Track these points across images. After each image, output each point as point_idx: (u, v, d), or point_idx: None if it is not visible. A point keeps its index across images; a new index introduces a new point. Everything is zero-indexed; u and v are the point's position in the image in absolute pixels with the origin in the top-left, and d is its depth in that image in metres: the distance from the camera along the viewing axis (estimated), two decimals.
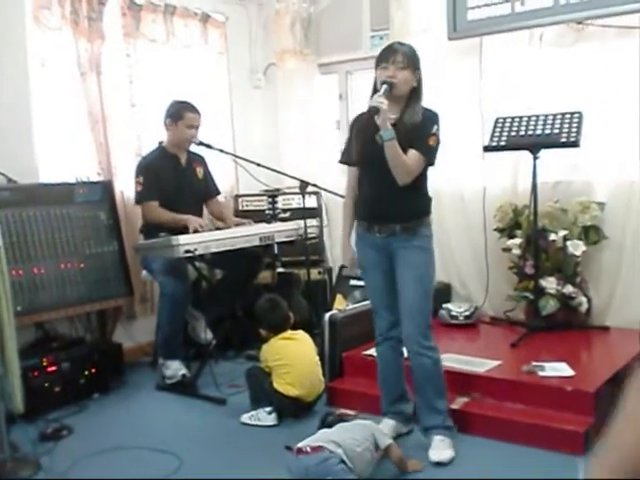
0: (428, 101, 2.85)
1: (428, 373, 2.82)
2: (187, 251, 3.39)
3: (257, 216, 4.57)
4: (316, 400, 3.36)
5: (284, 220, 4.45)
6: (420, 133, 2.72)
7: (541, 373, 3.12)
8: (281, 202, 4.76)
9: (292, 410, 3.26)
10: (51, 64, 3.98)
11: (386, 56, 2.71)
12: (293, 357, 3.32)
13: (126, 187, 4.17)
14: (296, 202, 4.76)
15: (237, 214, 4.74)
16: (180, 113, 3.92)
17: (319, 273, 4.68)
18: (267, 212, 4.73)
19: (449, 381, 2.96)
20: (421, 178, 2.80)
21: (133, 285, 4.09)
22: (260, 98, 5.17)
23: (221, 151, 4.06)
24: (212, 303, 4.15)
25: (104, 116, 4.10)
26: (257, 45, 5.14)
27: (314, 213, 4.70)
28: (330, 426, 2.69)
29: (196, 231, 3.66)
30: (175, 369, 3.85)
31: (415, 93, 2.76)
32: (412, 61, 2.71)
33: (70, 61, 4.01)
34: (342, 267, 4.74)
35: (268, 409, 3.26)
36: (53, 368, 3.54)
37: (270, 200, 4.75)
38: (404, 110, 2.75)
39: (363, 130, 2.79)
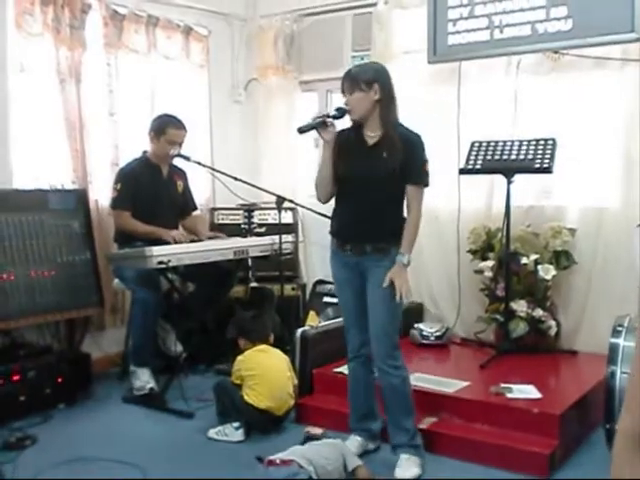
0: (407, 122, 2.90)
1: (396, 392, 2.84)
2: (160, 262, 3.37)
3: (233, 230, 4.58)
4: (286, 415, 3.34)
5: (260, 235, 4.46)
6: (411, 164, 2.76)
7: (509, 395, 3.15)
8: (257, 217, 4.77)
9: (261, 423, 3.24)
10: (31, 70, 3.95)
11: (341, 86, 2.82)
12: (266, 369, 3.32)
13: (101, 196, 4.15)
14: (272, 217, 4.77)
15: (213, 227, 4.74)
16: (163, 128, 3.93)
17: (293, 289, 4.68)
18: (243, 226, 4.73)
19: (418, 401, 2.98)
20: (399, 199, 2.83)
21: (104, 295, 4.04)
22: (240, 113, 5.18)
23: (199, 164, 4.06)
24: (183, 316, 4.12)
25: (81, 124, 4.08)
26: (239, 60, 5.17)
27: (290, 229, 4.72)
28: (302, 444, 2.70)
29: (175, 242, 3.66)
30: (144, 380, 3.80)
31: (383, 108, 2.76)
32: (359, 81, 2.74)
33: (50, 68, 4.00)
34: (316, 283, 4.76)
35: (236, 424, 3.24)
36: (18, 376, 3.47)
37: (246, 214, 4.76)
38: (384, 132, 2.78)
39: (346, 146, 2.81)
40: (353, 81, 2.75)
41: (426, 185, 2.84)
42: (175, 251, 3.49)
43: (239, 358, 3.37)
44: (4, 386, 3.40)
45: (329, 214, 3.97)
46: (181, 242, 3.73)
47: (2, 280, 3.57)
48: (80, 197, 4.00)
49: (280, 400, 3.29)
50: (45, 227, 3.80)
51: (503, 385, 3.22)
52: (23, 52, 3.89)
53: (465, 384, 3.33)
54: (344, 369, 3.54)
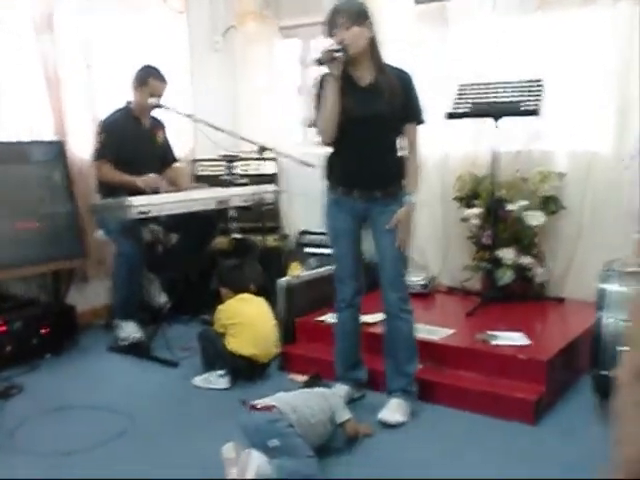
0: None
1: (403, 336, 2.85)
2: (141, 212, 3.33)
3: (214, 182, 4.52)
4: (269, 362, 3.36)
5: (242, 185, 4.40)
6: (410, 101, 2.72)
7: (494, 342, 3.15)
8: (239, 168, 4.70)
9: (246, 370, 3.26)
10: (2, 22, 3.83)
11: (330, 22, 2.68)
12: (249, 317, 3.33)
13: (81, 148, 4.07)
14: (254, 168, 4.73)
15: (194, 179, 4.69)
16: (145, 79, 3.90)
17: (275, 240, 4.65)
18: (224, 178, 4.67)
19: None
20: (396, 140, 2.78)
21: (87, 247, 4.01)
22: (220, 61, 5.07)
23: (178, 113, 3.98)
24: (166, 266, 4.11)
25: (58, 76, 4.00)
26: (218, 6, 5.02)
27: (272, 179, 4.67)
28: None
29: (154, 192, 3.63)
30: (129, 331, 3.82)
31: (374, 47, 2.69)
32: (356, 15, 2.63)
33: (23, 19, 3.88)
34: (300, 234, 4.74)
35: (220, 372, 3.26)
36: (4, 328, 3.48)
37: (228, 165, 4.69)
38: (377, 71, 2.70)
39: (344, 89, 2.68)
40: (350, 15, 2.62)
41: (423, 122, 2.80)
42: (156, 201, 3.45)
43: (220, 307, 3.38)
44: None
45: (311, 162, 3.97)
46: (153, 187, 3.71)
47: None
48: (59, 149, 3.94)
49: (264, 347, 3.31)
50: (26, 179, 3.77)
51: (489, 332, 3.23)
52: None
53: (450, 332, 3.34)
54: (326, 317, 3.57)
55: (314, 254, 4.55)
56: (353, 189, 2.78)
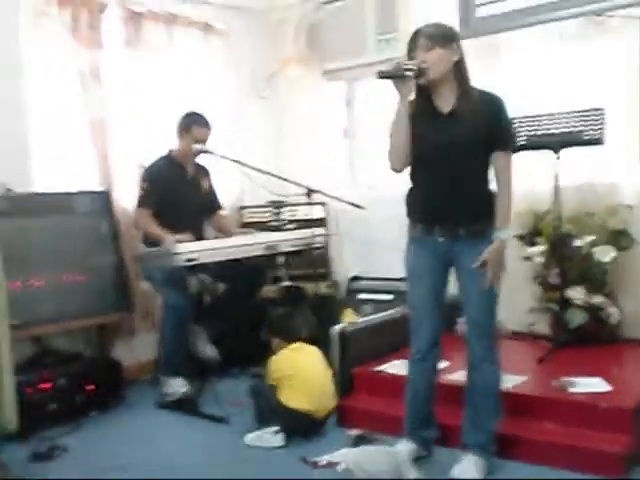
0: None
1: (487, 389, 2.59)
2: (188, 260, 3.20)
3: (262, 228, 4.40)
4: (327, 417, 3.13)
5: (290, 230, 4.26)
6: (499, 127, 2.50)
7: (572, 389, 2.87)
8: (287, 213, 4.58)
9: (301, 427, 3.03)
10: (50, 71, 3.86)
11: (410, 44, 2.49)
12: (303, 368, 3.12)
13: (126, 197, 4.00)
14: (301, 213, 4.59)
15: (242, 226, 4.58)
16: (189, 126, 3.86)
17: (327, 287, 4.46)
18: (272, 223, 4.54)
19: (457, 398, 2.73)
20: (486, 171, 2.54)
21: (133, 300, 3.90)
22: (264, 107, 4.99)
23: (224, 157, 3.89)
24: (214, 318, 3.96)
25: (104, 125, 3.97)
26: (260, 54, 4.98)
27: (320, 223, 4.52)
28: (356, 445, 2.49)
29: None
30: (176, 386, 3.65)
31: (460, 72, 2.49)
32: (439, 37, 2.45)
33: (70, 68, 3.91)
34: (351, 280, 4.55)
35: (274, 429, 3.04)
36: (49, 384, 3.36)
37: (275, 211, 4.57)
38: (460, 97, 2.49)
39: (420, 117, 2.49)
40: (431, 37, 2.44)
41: (515, 150, 2.57)
42: (203, 248, 3.32)
43: (273, 358, 3.18)
44: (34, 394, 3.28)
45: (361, 204, 3.83)
46: None
47: (30, 286, 3.46)
48: (106, 199, 3.89)
49: (320, 401, 3.08)
50: (72, 230, 3.71)
51: (565, 379, 2.95)
52: (41, 53, 3.81)
53: (523, 379, 3.06)
54: (386, 367, 3.35)
55: (367, 300, 4.34)
56: (434, 226, 2.55)
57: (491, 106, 2.50)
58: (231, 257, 3.43)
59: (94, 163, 3.95)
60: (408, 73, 2.42)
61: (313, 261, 4.08)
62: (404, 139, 2.49)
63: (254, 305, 4.13)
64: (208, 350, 3.98)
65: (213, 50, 4.69)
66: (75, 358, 3.62)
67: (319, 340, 3.75)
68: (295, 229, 4.28)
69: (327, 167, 4.81)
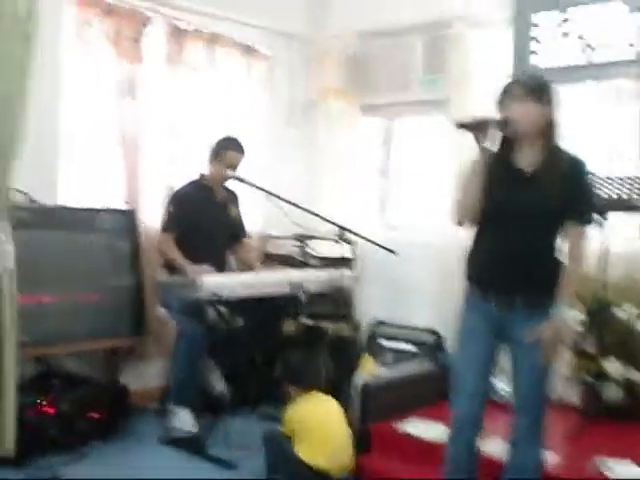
0: None
1: (527, 472, 2.38)
2: (214, 294, 3.05)
3: (286, 261, 4.25)
4: (342, 476, 2.94)
5: (315, 268, 4.10)
6: (580, 197, 2.31)
7: (611, 475, 2.64)
8: (313, 248, 4.42)
9: None
10: (87, 82, 3.78)
11: (504, 92, 2.31)
12: (322, 423, 2.93)
13: (152, 218, 3.87)
14: (328, 249, 4.42)
15: (263, 256, 4.44)
16: (222, 150, 3.75)
17: (349, 329, 4.28)
18: (297, 258, 4.39)
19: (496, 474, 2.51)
20: (555, 241, 2.34)
21: (147, 324, 3.75)
22: (298, 137, 4.87)
23: (255, 187, 3.76)
24: (229, 352, 3.79)
25: (136, 142, 3.86)
26: (299, 82, 4.89)
27: (347, 263, 4.35)
28: None
29: None
30: (184, 421, 3.48)
31: (550, 129, 2.31)
32: (536, 90, 2.27)
33: (107, 81, 3.83)
34: (377, 324, 4.38)
35: None
36: (51, 408, 3.18)
37: (301, 245, 4.41)
38: (545, 157, 2.31)
39: (495, 173, 2.28)
40: (530, 90, 2.25)
41: (590, 222, 2.37)
42: (228, 282, 3.18)
43: (290, 407, 3.00)
44: (34, 418, 3.11)
45: (392, 247, 3.68)
46: None
47: (41, 302, 3.31)
48: (130, 218, 3.76)
49: (337, 460, 2.87)
50: (91, 248, 3.57)
51: (602, 460, 2.73)
52: (80, 64, 3.74)
53: (555, 457, 2.85)
54: (407, 426, 3.17)
55: (389, 349, 4.17)
56: (489, 291, 2.36)
57: (575, 171, 2.32)
58: (256, 293, 3.27)
59: (122, 180, 3.83)
60: (494, 126, 2.25)
61: (336, 300, 3.91)
62: (476, 194, 2.30)
63: (272, 342, 3.97)
64: (219, 386, 3.82)
65: (253, 73, 4.60)
66: (82, 382, 3.46)
67: (335, 386, 3.59)
68: (320, 267, 4.12)
69: (358, 205, 4.67)
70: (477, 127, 2.27)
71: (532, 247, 2.30)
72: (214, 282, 3.10)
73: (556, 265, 2.33)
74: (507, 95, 2.31)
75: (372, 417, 3.21)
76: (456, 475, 2.50)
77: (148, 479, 2.99)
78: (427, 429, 3.15)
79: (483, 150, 2.28)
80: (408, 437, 3.10)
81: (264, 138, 4.65)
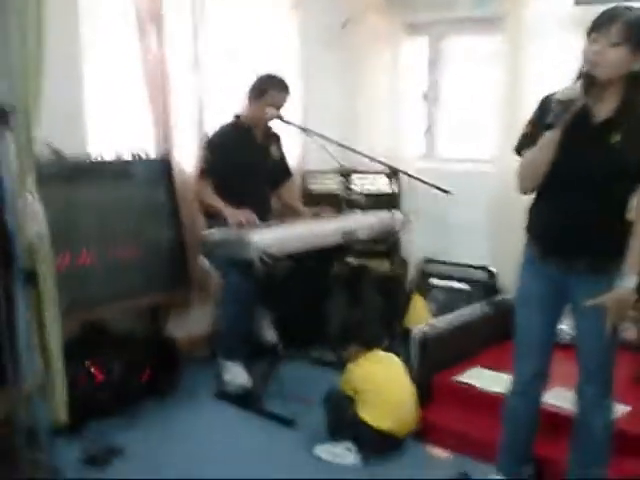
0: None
1: (594, 436, 2.29)
2: (265, 253, 2.86)
3: (328, 199, 4.02)
4: (406, 435, 2.85)
5: (361, 207, 3.85)
6: None
7: None
8: (356, 183, 4.16)
9: (379, 447, 2.76)
10: (107, 17, 3.41)
11: (598, 24, 1.99)
12: (384, 384, 2.82)
13: (187, 165, 3.61)
14: (371, 183, 4.19)
15: (304, 194, 4.21)
16: (264, 89, 3.45)
17: (395, 267, 4.10)
18: (340, 194, 4.14)
19: (557, 425, 2.46)
20: (626, 202, 2.10)
21: (191, 276, 3.60)
22: (335, 61, 4.50)
23: (303, 129, 3.47)
24: (278, 298, 3.65)
25: (164, 81, 3.51)
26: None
27: (393, 199, 4.11)
28: None
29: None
30: (236, 375, 3.40)
31: (633, 80, 2.03)
32: (632, 35, 1.95)
33: (127, 12, 3.43)
34: (427, 262, 4.20)
35: (348, 444, 2.78)
36: (101, 371, 3.09)
37: (344, 181, 4.16)
38: (621, 105, 2.04)
39: (572, 121, 2.04)
40: (626, 31, 1.93)
41: None
42: (278, 237, 2.98)
43: (351, 368, 2.87)
44: (84, 384, 3.00)
45: (440, 180, 3.43)
46: (242, 223, 3.27)
47: (79, 263, 3.14)
48: (165, 167, 3.51)
49: (401, 420, 2.79)
50: (126, 200, 3.35)
51: None
52: None
53: (626, 409, 2.73)
54: (468, 378, 3.06)
55: (440, 287, 4.00)
56: (549, 253, 2.19)
57: None
58: (308, 247, 3.07)
59: (152, 125, 3.54)
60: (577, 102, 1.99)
61: (383, 238, 3.72)
62: (546, 166, 2.08)
63: (319, 284, 3.82)
64: (270, 334, 3.71)
65: None
66: (129, 341, 3.33)
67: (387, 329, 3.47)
68: (365, 204, 3.87)
69: (402, 134, 4.35)
70: (565, 110, 2.00)
71: (600, 206, 2.08)
72: (263, 239, 2.90)
73: (624, 229, 2.09)
74: (600, 30, 1.98)
75: (432, 368, 3.09)
76: (517, 440, 2.46)
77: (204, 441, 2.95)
78: (490, 379, 3.04)
79: (562, 122, 2.01)
80: (471, 388, 3.01)
81: (298, 66, 4.27)
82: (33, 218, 2.50)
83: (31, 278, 2.47)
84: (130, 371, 3.19)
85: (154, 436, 3.00)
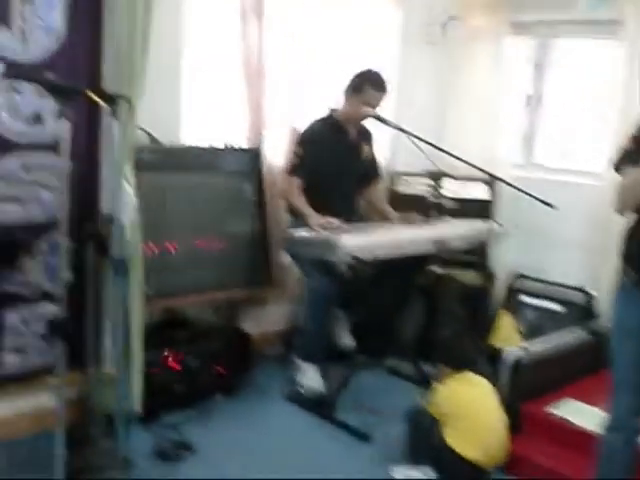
0: None
1: None
2: (352, 256, 2.73)
3: (416, 203, 3.83)
4: (493, 468, 2.66)
5: (451, 213, 3.66)
6: None
7: None
8: (447, 189, 3.95)
9: (463, 476, 2.57)
10: (208, 5, 3.34)
11: None
12: (475, 410, 2.63)
13: (278, 159, 3.52)
14: (462, 188, 3.98)
15: (390, 195, 4.05)
16: (362, 86, 3.31)
17: (484, 279, 3.89)
18: (429, 199, 3.95)
19: None
20: None
21: (273, 273, 3.50)
22: (434, 58, 4.30)
23: (401, 130, 3.30)
24: (358, 304, 3.52)
25: (261, 72, 3.43)
26: None
27: (486, 207, 3.90)
28: None
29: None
30: (311, 378, 3.30)
31: None
32: None
33: (230, 2, 3.35)
34: (518, 277, 3.96)
35: (428, 470, 2.62)
36: (177, 363, 3.04)
37: (434, 185, 3.96)
38: None
39: None
40: None
41: None
42: (367, 242, 2.85)
43: (440, 388, 2.70)
44: (160, 373, 2.95)
45: (539, 190, 3.20)
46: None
47: (163, 250, 3.09)
48: (255, 158, 3.43)
49: (491, 451, 2.58)
50: (214, 191, 3.29)
51: None
52: None
53: None
54: (560, 410, 2.85)
55: (532, 306, 3.78)
56: None
57: None
58: (397, 254, 2.92)
59: (246, 116, 3.46)
60: None
61: (475, 252, 3.54)
62: None
63: (401, 291, 3.66)
64: (347, 339, 3.59)
65: None
66: (207, 334, 3.27)
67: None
68: (455, 210, 3.68)
69: (499, 138, 4.12)
70: None
71: None
72: (352, 244, 2.76)
73: None
74: None
75: (522, 396, 2.89)
76: (612, 470, 2.25)
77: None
78: (584, 414, 2.82)
79: None
80: (564, 422, 2.79)
81: (396, 63, 4.11)
82: (128, 206, 2.46)
83: (123, 266, 2.43)
84: (206, 364, 3.13)
85: (225, 435, 2.92)
